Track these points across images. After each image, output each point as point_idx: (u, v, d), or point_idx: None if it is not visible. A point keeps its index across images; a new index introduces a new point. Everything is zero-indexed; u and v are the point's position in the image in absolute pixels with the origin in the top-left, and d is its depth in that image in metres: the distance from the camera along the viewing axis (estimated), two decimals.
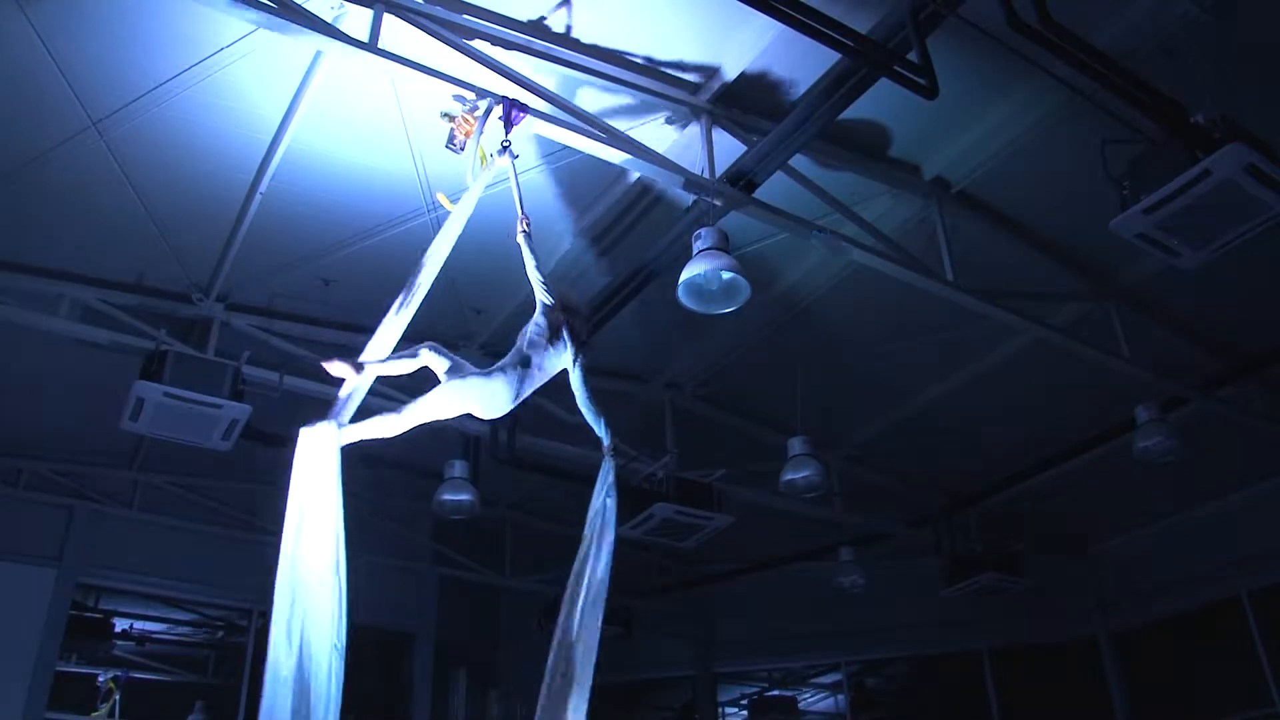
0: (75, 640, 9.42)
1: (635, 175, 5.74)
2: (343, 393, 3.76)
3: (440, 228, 4.14)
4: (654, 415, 8.67)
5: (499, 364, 3.98)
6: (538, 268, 4.29)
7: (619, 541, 4.24)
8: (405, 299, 3.89)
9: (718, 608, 12.73)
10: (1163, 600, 10.61)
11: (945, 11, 4.62)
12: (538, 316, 4.22)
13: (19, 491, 9.35)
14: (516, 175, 4.43)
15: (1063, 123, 5.78)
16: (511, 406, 4.00)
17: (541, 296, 4.25)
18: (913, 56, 4.68)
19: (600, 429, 4.32)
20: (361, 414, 3.75)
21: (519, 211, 4.35)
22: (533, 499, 10.61)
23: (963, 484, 10.05)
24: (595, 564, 4.13)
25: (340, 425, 3.62)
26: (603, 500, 4.25)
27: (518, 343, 4.12)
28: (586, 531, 4.23)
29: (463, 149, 4.73)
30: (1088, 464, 8.91)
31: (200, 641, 10.75)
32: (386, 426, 3.68)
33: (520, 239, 4.31)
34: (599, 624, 4.07)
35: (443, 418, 3.84)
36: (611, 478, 4.31)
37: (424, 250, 4.06)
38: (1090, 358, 7.08)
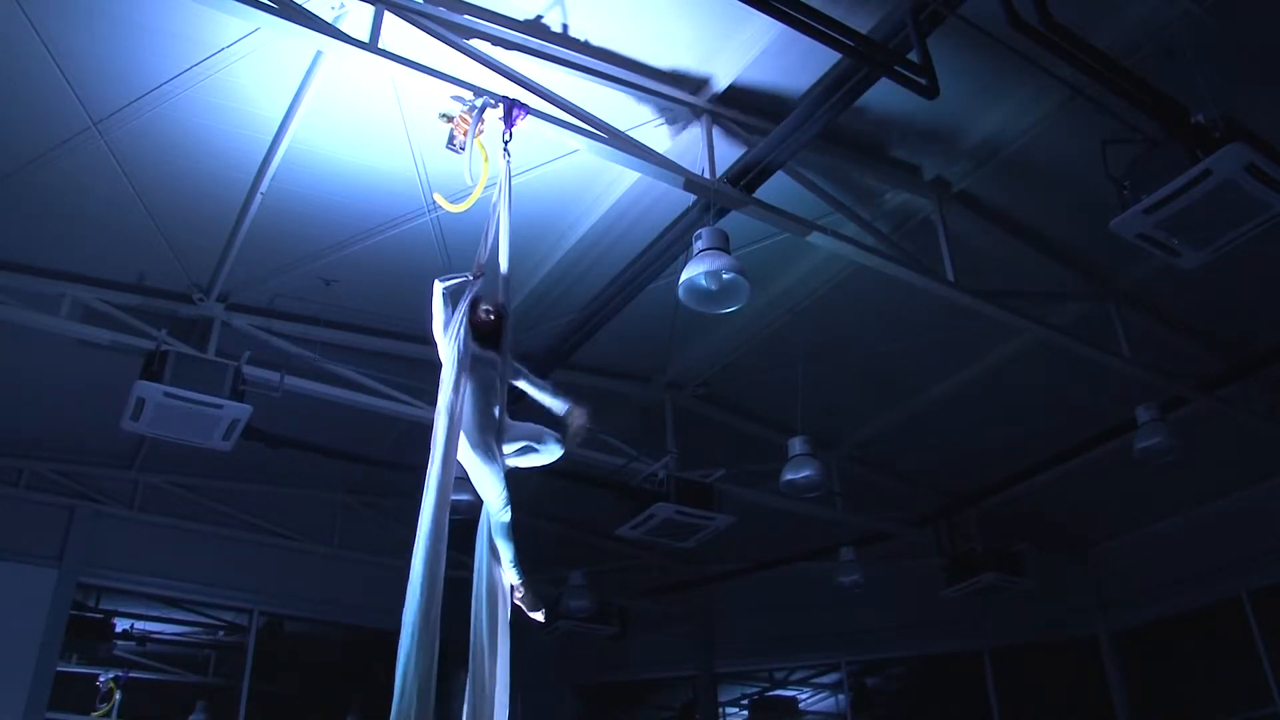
0: (76, 640, 9.42)
1: (635, 175, 5.74)
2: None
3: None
4: (654, 415, 8.67)
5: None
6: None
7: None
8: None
9: (718, 608, 12.72)
10: (1163, 600, 10.61)
11: (946, 11, 4.62)
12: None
13: (19, 491, 9.35)
14: (511, 177, 4.39)
15: (1063, 122, 5.78)
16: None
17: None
18: (913, 56, 4.68)
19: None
20: None
21: (486, 241, 4.25)
22: (532, 498, 10.60)
23: (963, 484, 10.03)
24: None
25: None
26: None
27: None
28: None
29: (463, 149, 4.73)
30: (1088, 464, 8.91)
31: (201, 641, 10.73)
32: None
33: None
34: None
35: None
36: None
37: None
38: (1090, 358, 7.07)
